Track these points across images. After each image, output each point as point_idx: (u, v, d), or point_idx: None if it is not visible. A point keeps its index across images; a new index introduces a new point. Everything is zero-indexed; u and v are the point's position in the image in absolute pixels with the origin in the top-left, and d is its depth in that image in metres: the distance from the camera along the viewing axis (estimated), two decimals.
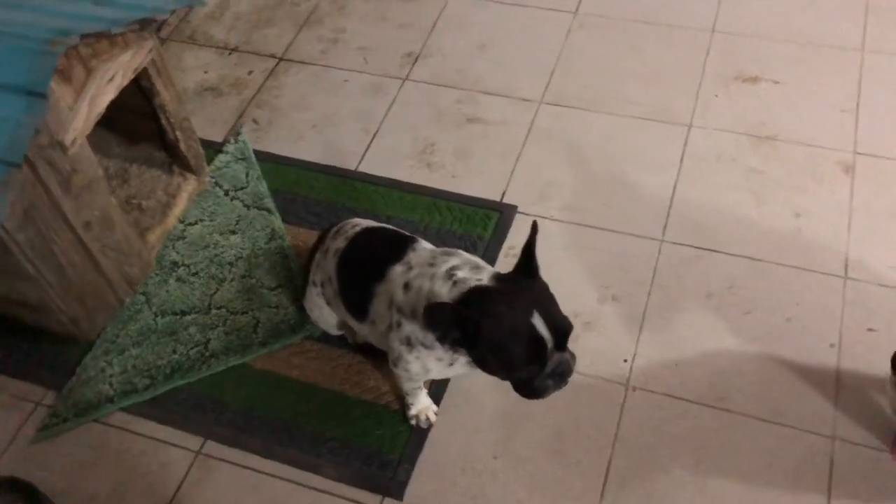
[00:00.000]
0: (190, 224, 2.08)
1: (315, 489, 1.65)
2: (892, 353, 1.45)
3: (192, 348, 1.85)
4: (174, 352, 1.84)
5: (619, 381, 1.75)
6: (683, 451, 1.64)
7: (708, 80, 2.29)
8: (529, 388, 1.34)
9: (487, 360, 1.32)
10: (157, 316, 1.91)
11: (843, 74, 2.26)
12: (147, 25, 1.76)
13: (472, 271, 1.37)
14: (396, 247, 1.52)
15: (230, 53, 2.55)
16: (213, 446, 1.72)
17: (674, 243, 1.96)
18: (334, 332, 1.78)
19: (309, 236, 1.98)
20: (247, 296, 1.93)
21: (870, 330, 1.76)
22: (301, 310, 1.83)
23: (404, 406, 1.71)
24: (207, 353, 1.83)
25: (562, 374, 1.33)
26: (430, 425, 1.70)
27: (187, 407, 1.77)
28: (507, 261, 1.95)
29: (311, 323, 1.81)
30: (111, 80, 1.71)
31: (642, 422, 1.69)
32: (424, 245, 1.54)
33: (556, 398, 1.65)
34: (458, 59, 2.45)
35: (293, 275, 1.94)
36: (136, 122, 2.09)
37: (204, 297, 1.93)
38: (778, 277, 1.87)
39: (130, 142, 2.17)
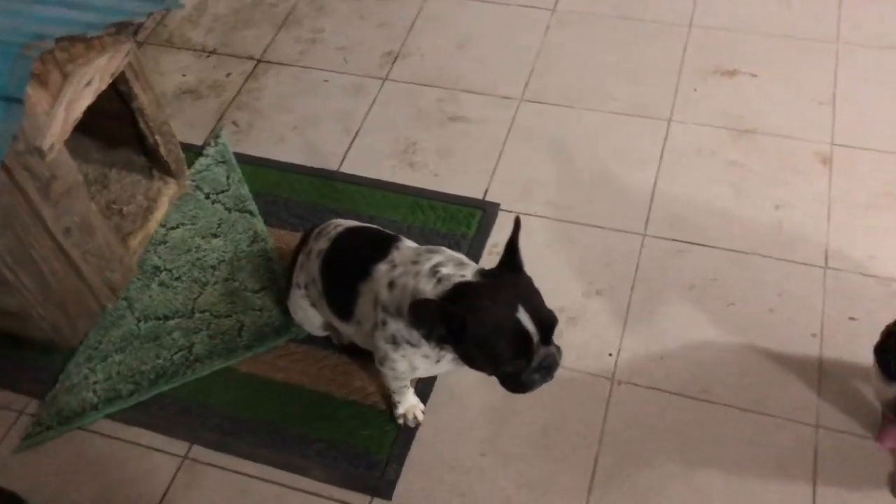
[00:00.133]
0: (171, 228, 2.06)
1: (303, 491, 1.64)
2: (873, 342, 1.46)
3: (176, 353, 1.83)
4: (158, 357, 1.83)
5: (604, 376, 1.76)
6: (669, 443, 1.65)
7: (686, 75, 2.31)
8: (516, 383, 1.34)
9: (473, 355, 1.32)
10: (139, 321, 1.89)
11: (819, 67, 2.29)
12: (123, 29, 1.75)
13: (457, 268, 1.37)
14: (380, 246, 1.52)
15: (208, 56, 2.54)
16: (199, 451, 1.71)
17: (656, 237, 1.97)
18: (319, 333, 1.78)
19: (291, 238, 1.97)
20: (230, 299, 1.92)
21: (851, 319, 1.78)
22: (285, 312, 1.82)
23: (391, 405, 1.70)
24: (192, 358, 1.82)
25: (548, 368, 1.33)
26: (418, 424, 1.70)
27: (173, 412, 1.76)
28: (491, 258, 1.95)
29: (296, 325, 1.81)
30: (88, 84, 1.70)
31: (628, 415, 1.70)
32: (408, 244, 1.54)
33: (543, 394, 1.66)
34: (438, 58, 2.45)
35: (276, 277, 1.94)
36: (115, 126, 2.07)
37: (187, 302, 1.92)
38: (759, 269, 1.89)
39: (110, 147, 2.15)
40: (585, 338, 1.82)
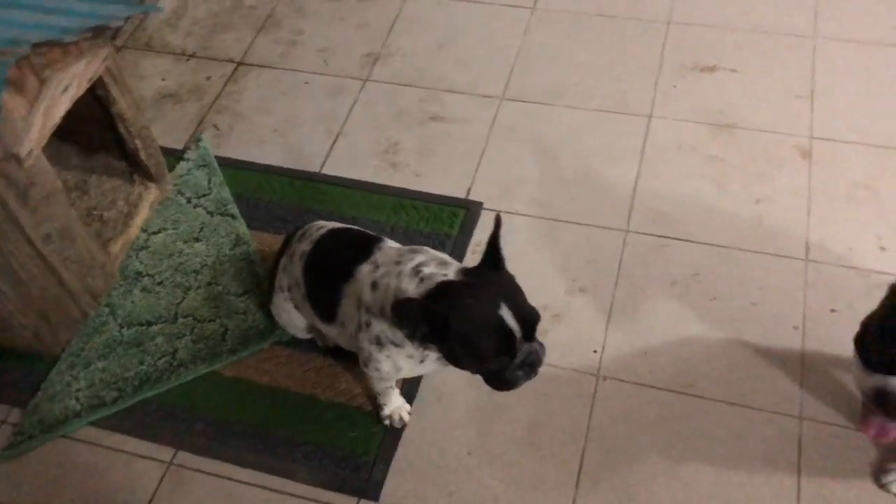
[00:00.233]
0: (153, 233, 2.05)
1: (291, 495, 1.64)
2: (853, 333, 1.47)
3: (159, 359, 1.82)
4: (141, 363, 1.82)
5: (589, 372, 1.77)
6: (655, 438, 1.66)
7: (666, 71, 2.32)
8: (500, 380, 1.34)
9: (457, 353, 1.32)
10: (122, 327, 1.88)
11: (797, 61, 2.30)
12: (101, 33, 1.74)
13: (439, 267, 1.37)
14: (362, 247, 1.51)
15: (188, 59, 2.52)
16: (185, 456, 1.70)
17: (638, 233, 1.98)
18: (303, 335, 1.77)
19: (274, 241, 1.96)
20: (214, 303, 1.91)
21: (832, 311, 1.80)
22: (269, 315, 1.81)
23: (377, 407, 1.70)
24: (175, 363, 1.81)
25: (532, 365, 1.33)
26: (404, 425, 1.70)
27: (157, 418, 1.75)
28: (474, 257, 1.95)
29: (280, 328, 1.80)
30: (66, 90, 1.68)
31: (614, 411, 1.71)
32: (391, 244, 1.53)
33: (528, 391, 1.67)
34: (419, 58, 2.45)
35: (260, 280, 1.93)
36: (95, 132, 2.06)
37: (170, 307, 1.91)
38: (741, 263, 1.90)
39: (89, 152, 2.14)
40: (570, 335, 1.83)
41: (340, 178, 2.16)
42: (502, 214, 2.02)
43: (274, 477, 1.66)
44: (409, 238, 2.00)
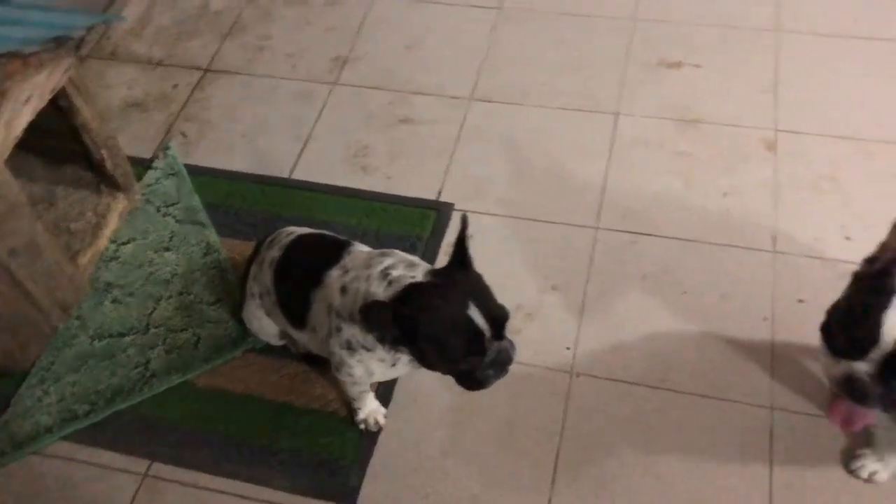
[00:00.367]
0: (122, 244, 2.03)
1: (268, 502, 1.63)
2: (821, 322, 1.49)
3: (132, 370, 1.81)
4: (113, 375, 1.80)
5: (563, 369, 1.78)
6: (630, 433, 1.67)
7: (632, 68, 2.34)
8: (471, 380, 1.34)
9: (427, 355, 1.32)
10: (93, 340, 1.86)
11: (760, 55, 2.33)
12: (62, 44, 1.72)
13: (407, 269, 1.37)
14: (332, 252, 1.51)
15: (154, 68, 2.50)
16: (159, 467, 1.69)
17: (608, 230, 2.00)
18: (276, 342, 1.77)
19: (245, 248, 1.95)
20: (185, 312, 1.90)
21: (800, 301, 1.82)
22: (242, 323, 1.80)
23: (352, 411, 1.70)
24: (148, 374, 1.80)
25: (502, 364, 1.34)
26: (380, 428, 1.70)
27: (131, 430, 1.73)
28: (447, 258, 1.92)
29: (253, 335, 1.79)
30: (27, 101, 1.67)
31: (588, 407, 1.72)
32: (360, 248, 1.53)
33: (503, 390, 1.67)
34: (387, 61, 2.45)
35: (231, 288, 1.92)
36: (61, 143, 2.04)
37: (141, 317, 1.90)
38: (710, 256, 1.92)
39: (56, 163, 2.11)
40: (543, 333, 1.84)
41: (310, 183, 2.15)
42: (473, 215, 2.05)
43: (250, 485, 1.65)
44: (381, 241, 1.99)
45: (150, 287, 1.95)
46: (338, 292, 1.43)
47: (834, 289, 1.37)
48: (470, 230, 2.02)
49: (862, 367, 1.22)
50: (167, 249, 2.02)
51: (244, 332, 1.82)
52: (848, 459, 1.59)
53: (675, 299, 1.85)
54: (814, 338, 1.56)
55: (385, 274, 1.37)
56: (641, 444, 1.66)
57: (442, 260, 1.96)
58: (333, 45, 2.50)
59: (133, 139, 2.29)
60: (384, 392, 1.75)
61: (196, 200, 2.11)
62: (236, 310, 1.84)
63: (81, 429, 1.73)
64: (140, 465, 1.69)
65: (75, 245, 1.97)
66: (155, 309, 1.91)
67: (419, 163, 2.18)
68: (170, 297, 1.93)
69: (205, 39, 2.57)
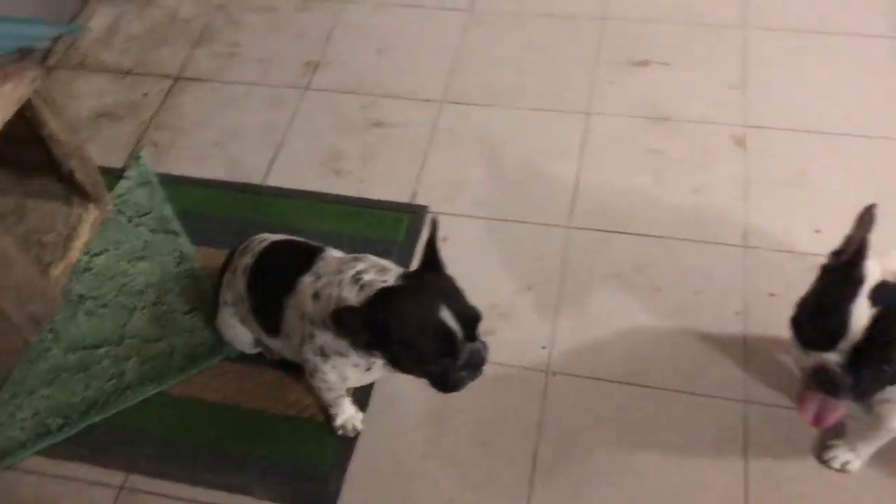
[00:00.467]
0: (95, 255, 2.02)
1: None
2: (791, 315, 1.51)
3: (106, 382, 1.79)
4: (88, 387, 1.79)
5: (539, 369, 1.78)
6: (606, 430, 1.68)
7: (602, 67, 2.35)
8: (445, 382, 1.35)
9: (400, 358, 1.32)
10: (67, 352, 1.85)
11: (728, 51, 2.35)
12: (27, 55, 1.71)
13: (379, 273, 1.38)
14: (304, 258, 1.51)
15: (124, 77, 2.49)
16: (136, 479, 1.67)
17: (582, 228, 2.01)
18: (251, 350, 1.76)
19: (219, 256, 1.93)
20: (160, 323, 1.89)
21: (771, 295, 1.84)
22: (216, 331, 1.79)
23: (329, 417, 1.70)
24: (123, 386, 1.79)
25: (476, 365, 1.34)
26: (358, 433, 1.70)
27: (106, 442, 1.72)
28: None
29: (228, 344, 1.78)
30: None
31: (564, 406, 1.72)
32: (332, 253, 1.53)
33: (480, 391, 1.68)
34: (358, 65, 2.44)
35: (206, 297, 1.91)
36: (30, 154, 2.02)
37: (115, 329, 1.88)
38: (682, 253, 1.93)
39: (25, 176, 2.09)
40: (519, 333, 1.84)
41: (284, 189, 2.15)
42: (447, 217, 2.06)
43: (228, 494, 1.64)
44: (356, 246, 1.98)
45: (124, 298, 1.94)
46: (310, 298, 1.43)
47: (805, 282, 1.39)
48: (444, 232, 2.05)
49: (832, 359, 1.23)
50: (140, 259, 2.00)
51: (219, 340, 1.81)
52: (821, 450, 1.61)
53: (649, 296, 1.87)
54: (786, 331, 1.58)
55: (357, 279, 1.37)
56: (618, 441, 1.67)
57: (417, 263, 1.96)
58: (304, 51, 2.50)
59: (104, 149, 2.28)
60: (361, 397, 1.74)
61: (168, 209, 2.10)
62: (211, 319, 1.83)
63: (56, 443, 1.72)
64: (116, 477, 1.68)
65: (46, 257, 1.96)
66: (129, 320, 1.89)
67: (392, 166, 2.19)
68: (143, 307, 1.92)
69: (174, 47, 2.56)
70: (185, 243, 2.02)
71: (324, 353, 1.44)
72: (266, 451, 1.69)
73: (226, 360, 1.82)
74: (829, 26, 2.39)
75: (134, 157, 2.25)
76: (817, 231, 1.93)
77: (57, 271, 1.94)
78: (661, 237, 1.97)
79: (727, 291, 1.86)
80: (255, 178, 2.18)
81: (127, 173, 2.19)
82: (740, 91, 2.25)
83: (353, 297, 1.35)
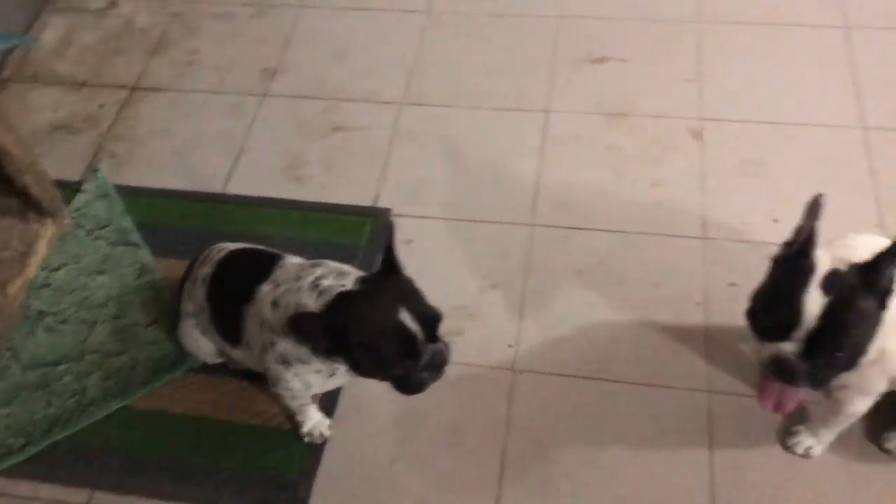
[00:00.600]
0: (53, 270, 1.99)
1: None
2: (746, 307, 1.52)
3: (68, 399, 1.77)
4: (49, 405, 1.76)
5: (505, 367, 1.79)
6: (573, 425, 1.69)
7: (559, 65, 2.37)
8: (407, 385, 1.34)
9: (361, 363, 1.32)
10: (26, 370, 1.82)
11: (682, 46, 2.38)
12: None
13: (337, 278, 1.37)
14: (263, 266, 1.50)
15: (79, 88, 2.45)
16: (101, 497, 1.65)
17: (544, 226, 2.02)
18: (214, 360, 1.74)
19: (181, 267, 1.90)
20: (121, 336, 1.86)
21: (731, 285, 1.86)
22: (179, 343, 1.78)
23: (296, 424, 1.69)
24: (85, 402, 1.76)
25: (438, 366, 1.34)
26: (325, 439, 1.69)
27: (70, 460, 1.69)
28: None
29: (191, 355, 1.76)
30: None
31: (531, 403, 1.73)
32: (292, 260, 1.52)
33: (448, 392, 1.69)
34: (317, 70, 2.43)
35: (168, 308, 1.89)
36: None
37: (76, 344, 1.86)
38: (643, 246, 1.95)
39: None
40: (485, 332, 1.85)
41: (245, 197, 2.13)
42: (411, 219, 2.06)
43: None
44: (319, 251, 1.95)
45: (84, 312, 1.91)
46: (269, 306, 1.42)
47: (763, 271, 1.41)
48: (408, 234, 2.05)
49: (788, 348, 1.25)
50: (100, 273, 1.98)
51: (182, 352, 1.79)
52: (784, 437, 1.63)
53: (611, 290, 1.88)
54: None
55: (315, 285, 1.36)
56: (585, 436, 1.68)
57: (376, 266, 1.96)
58: (262, 57, 2.48)
59: (60, 162, 2.24)
60: (328, 402, 1.74)
61: (128, 221, 2.08)
62: (173, 330, 1.81)
63: (18, 463, 1.69)
64: (81, 495, 1.66)
65: (3, 275, 1.92)
66: (90, 335, 1.87)
67: (354, 170, 2.18)
68: (104, 321, 1.89)
69: (131, 57, 2.53)
70: (145, 255, 2.00)
71: (285, 361, 1.43)
72: (233, 461, 1.67)
73: (190, 371, 1.80)
74: (780, 18, 2.42)
75: (92, 169, 2.22)
76: (775, 220, 1.96)
77: (14, 288, 1.91)
78: (621, 232, 1.98)
79: (687, 283, 1.88)
80: (216, 187, 2.16)
81: (84, 186, 2.16)
82: (696, 85, 2.28)
83: (311, 303, 1.34)
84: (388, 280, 1.33)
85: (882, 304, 1.22)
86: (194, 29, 2.60)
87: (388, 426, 1.72)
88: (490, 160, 2.17)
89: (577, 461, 1.65)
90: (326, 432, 1.69)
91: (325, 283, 1.36)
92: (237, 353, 1.58)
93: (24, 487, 1.67)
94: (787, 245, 1.31)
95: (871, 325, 1.22)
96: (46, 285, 1.96)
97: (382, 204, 2.10)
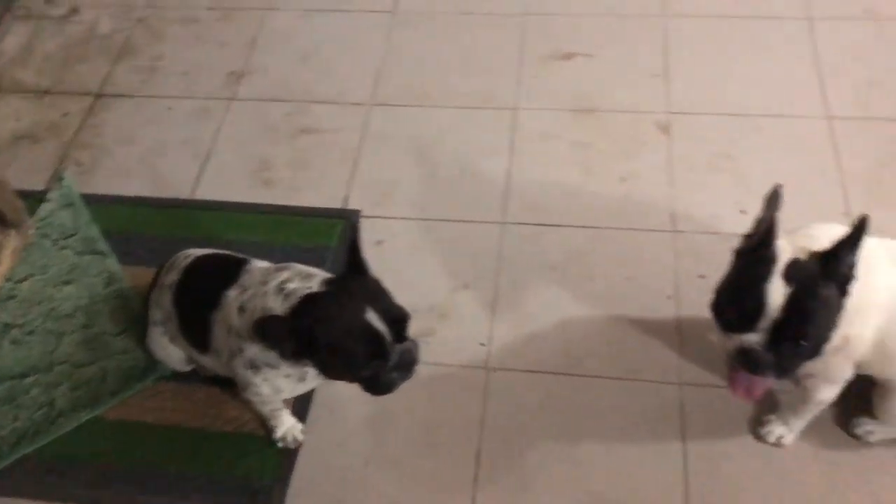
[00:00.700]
0: (19, 281, 1.96)
1: None
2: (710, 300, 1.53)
3: (36, 411, 1.74)
4: (16, 419, 1.73)
5: (479, 366, 1.79)
6: (547, 422, 1.69)
7: (527, 63, 2.37)
8: (377, 385, 1.33)
9: (329, 365, 1.31)
10: None
11: (649, 41, 2.39)
12: None
13: (303, 281, 1.36)
14: (229, 271, 1.49)
15: (42, 97, 2.42)
16: None
17: (515, 223, 2.02)
18: (184, 368, 1.73)
19: (150, 275, 1.87)
20: (90, 346, 1.84)
21: (701, 277, 1.87)
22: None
23: (269, 430, 1.67)
24: (54, 414, 1.74)
25: (407, 365, 1.33)
26: (299, 444, 1.68)
27: (39, 474, 1.67)
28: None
29: (161, 363, 1.75)
30: None
31: (506, 401, 1.73)
32: (258, 264, 1.51)
33: (421, 392, 1.69)
34: (284, 72, 2.42)
35: (137, 317, 1.87)
36: None
37: (44, 356, 1.83)
38: (613, 241, 1.96)
39: None
40: (457, 332, 1.84)
41: (213, 202, 2.11)
42: (381, 220, 2.06)
43: None
44: (289, 255, 1.94)
45: (52, 323, 1.88)
46: (236, 312, 1.40)
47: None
48: (379, 235, 2.04)
49: (753, 339, 1.25)
50: (67, 283, 1.95)
51: (153, 360, 1.77)
52: (755, 426, 1.64)
53: (582, 286, 1.89)
54: None
55: (281, 288, 1.35)
56: (559, 432, 1.68)
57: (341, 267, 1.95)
58: (228, 61, 2.46)
59: (24, 172, 2.21)
60: (300, 407, 1.73)
61: (95, 230, 2.05)
62: (143, 339, 1.79)
63: None
64: None
65: None
66: (58, 346, 1.84)
67: (323, 172, 2.17)
68: (73, 331, 1.87)
69: (94, 64, 2.50)
70: (112, 264, 1.98)
71: (254, 366, 1.42)
72: (206, 469, 1.66)
73: (160, 379, 1.78)
74: (745, 11, 2.44)
75: (56, 178, 2.19)
76: (742, 211, 1.97)
77: None
78: (591, 227, 1.99)
79: (658, 276, 1.88)
80: (184, 193, 2.14)
81: (49, 195, 2.13)
82: (662, 79, 2.29)
83: (278, 306, 1.33)
84: (353, 281, 1.32)
85: (843, 292, 1.23)
86: (159, 34, 2.57)
87: (361, 428, 1.71)
88: (459, 159, 2.16)
89: (552, 457, 1.65)
90: (300, 437, 1.68)
91: (291, 286, 1.35)
92: (206, 360, 1.56)
93: None
94: (748, 237, 1.32)
95: (833, 312, 1.23)
96: (12, 297, 1.93)
97: (352, 206, 2.09)
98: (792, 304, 1.20)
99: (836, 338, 1.27)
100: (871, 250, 1.26)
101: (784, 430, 1.61)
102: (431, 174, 2.14)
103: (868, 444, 1.60)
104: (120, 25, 2.60)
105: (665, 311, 1.83)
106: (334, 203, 2.10)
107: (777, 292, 1.21)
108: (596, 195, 2.04)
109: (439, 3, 2.55)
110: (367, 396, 1.37)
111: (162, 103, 2.37)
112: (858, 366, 1.41)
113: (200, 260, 1.59)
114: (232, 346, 1.42)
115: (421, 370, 1.61)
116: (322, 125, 2.27)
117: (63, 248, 2.02)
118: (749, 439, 1.64)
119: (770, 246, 1.24)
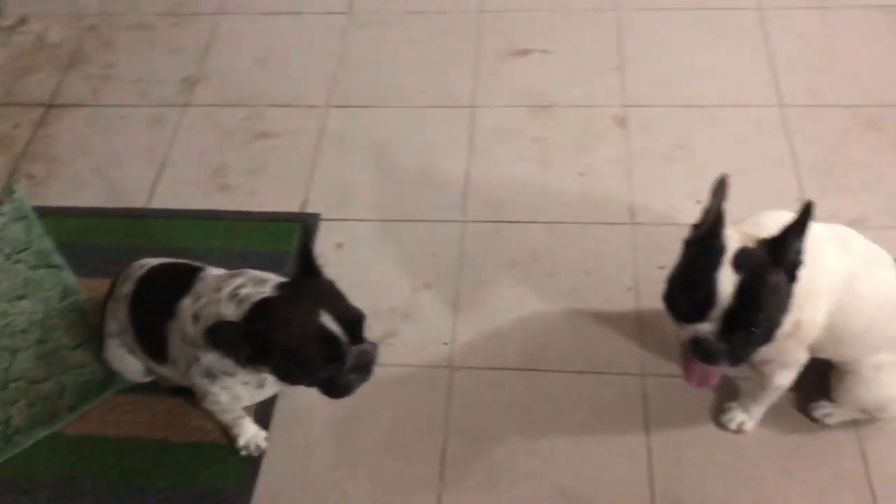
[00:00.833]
0: None
1: None
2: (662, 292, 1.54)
3: None
4: None
5: (442, 365, 1.78)
6: (512, 418, 1.69)
7: (483, 60, 2.37)
8: (334, 388, 1.32)
9: (285, 369, 1.30)
10: None
11: (604, 35, 2.40)
12: None
13: (256, 286, 1.35)
14: (183, 280, 1.47)
15: None
16: None
17: (475, 221, 2.02)
18: (143, 379, 1.70)
19: (106, 286, 1.86)
20: (47, 361, 1.81)
21: (660, 268, 1.86)
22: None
23: (232, 438, 1.66)
24: (10, 432, 1.70)
25: (365, 366, 1.32)
26: (262, 452, 1.66)
27: None
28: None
29: (120, 375, 1.72)
30: None
31: (470, 399, 1.73)
32: (212, 272, 1.49)
33: (385, 393, 1.68)
34: (238, 77, 2.40)
35: (94, 330, 1.83)
36: None
37: None
38: (572, 236, 1.96)
39: None
40: (420, 332, 1.84)
41: (170, 210, 2.09)
42: (341, 222, 2.05)
43: None
44: (248, 261, 1.92)
45: (6, 340, 1.84)
46: (191, 320, 1.39)
47: None
48: (339, 238, 2.03)
49: (705, 328, 1.26)
50: (21, 298, 1.91)
51: (112, 373, 1.74)
52: (717, 414, 1.66)
53: (543, 281, 1.89)
54: None
55: (234, 294, 1.34)
56: (524, 428, 1.68)
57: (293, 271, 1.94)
58: (181, 66, 2.43)
59: None
60: (263, 414, 1.71)
61: (48, 243, 2.02)
62: (100, 351, 1.77)
63: None
64: None
65: None
66: (12, 362, 1.81)
67: (281, 176, 2.15)
68: (28, 347, 1.83)
69: (44, 74, 2.46)
70: (68, 276, 1.95)
71: (211, 375, 1.40)
72: (169, 480, 1.64)
73: (120, 392, 1.76)
74: (697, 2, 2.46)
75: (7, 191, 2.15)
76: (699, 202, 1.93)
77: None
78: (551, 222, 1.99)
79: (618, 268, 1.89)
80: (139, 202, 2.12)
81: (0, 209, 2.09)
82: (618, 72, 2.30)
83: (231, 312, 1.31)
84: (307, 284, 1.31)
85: (792, 277, 1.24)
86: (110, 42, 2.53)
87: (325, 433, 1.70)
88: (418, 159, 2.16)
89: (517, 453, 1.65)
90: (263, 444, 1.66)
91: (245, 291, 1.33)
92: (165, 371, 1.54)
93: None
94: (697, 227, 1.33)
95: (783, 298, 1.25)
96: None
97: (311, 209, 2.08)
98: (742, 292, 1.21)
99: (788, 323, 1.28)
100: (818, 235, 1.28)
101: (745, 417, 1.63)
102: (390, 175, 2.13)
103: (827, 427, 1.63)
104: (69, 34, 2.56)
105: (625, 303, 1.84)
106: (293, 207, 2.08)
107: (727, 281, 1.22)
108: (555, 190, 2.05)
109: (394, 3, 2.54)
110: (330, 401, 1.36)
111: (115, 112, 2.34)
112: (812, 349, 1.43)
113: (155, 270, 1.57)
114: (188, 356, 1.41)
115: (385, 371, 1.61)
116: (279, 129, 2.25)
117: (16, 262, 1.98)
118: (711, 427, 1.65)
119: (718, 235, 1.26)
